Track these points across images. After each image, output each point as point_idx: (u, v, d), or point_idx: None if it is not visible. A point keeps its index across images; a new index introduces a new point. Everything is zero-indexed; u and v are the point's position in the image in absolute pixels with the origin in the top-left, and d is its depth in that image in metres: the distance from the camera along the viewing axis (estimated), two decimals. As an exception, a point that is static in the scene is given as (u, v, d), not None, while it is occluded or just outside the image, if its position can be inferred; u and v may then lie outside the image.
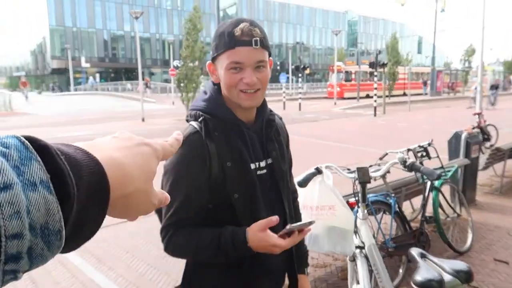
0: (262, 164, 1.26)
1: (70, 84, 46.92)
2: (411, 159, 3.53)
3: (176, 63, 20.63)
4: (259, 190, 1.22)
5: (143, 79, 22.08)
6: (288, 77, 33.63)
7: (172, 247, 1.21)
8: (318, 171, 2.16)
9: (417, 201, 4.04)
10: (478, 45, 12.29)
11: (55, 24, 49.07)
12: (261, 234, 1.11)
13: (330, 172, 2.31)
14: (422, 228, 3.49)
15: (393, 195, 3.37)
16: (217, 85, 1.25)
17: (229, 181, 1.18)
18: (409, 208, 4.60)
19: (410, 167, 2.35)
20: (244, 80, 1.14)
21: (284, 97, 23.25)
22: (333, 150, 9.42)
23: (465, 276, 1.52)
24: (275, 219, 1.12)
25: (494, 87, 23.74)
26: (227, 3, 36.60)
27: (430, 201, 3.75)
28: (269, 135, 1.30)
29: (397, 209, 3.38)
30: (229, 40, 1.13)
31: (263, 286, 1.29)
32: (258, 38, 1.13)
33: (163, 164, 1.20)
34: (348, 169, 2.53)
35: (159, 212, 1.31)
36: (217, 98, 1.23)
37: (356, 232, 2.33)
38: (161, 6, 55.23)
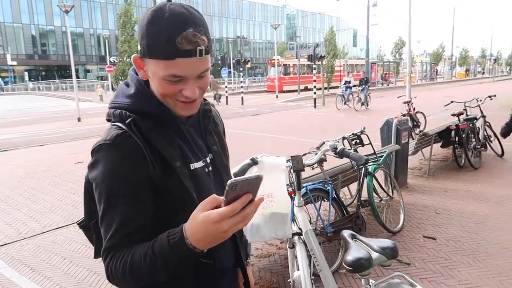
0: (208, 159, 1.14)
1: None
2: (344, 146, 3.70)
3: (112, 59, 19.81)
4: (207, 188, 1.08)
5: (77, 76, 20.90)
6: (229, 72, 33.61)
7: (111, 274, 0.96)
8: (254, 162, 2.19)
9: (354, 187, 4.24)
10: (406, 37, 13.08)
11: (-26, 19, 44.98)
12: (200, 217, 0.84)
13: (267, 160, 2.35)
14: (358, 212, 3.68)
15: (330, 182, 3.52)
16: (142, 81, 1.06)
17: (175, 183, 1.02)
18: (347, 194, 4.83)
19: (341, 154, 2.46)
20: (185, 93, 0.98)
21: (226, 91, 23.24)
22: (275, 142, 9.59)
23: (391, 253, 1.63)
24: (213, 198, 0.87)
25: (364, 81, 17.79)
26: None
27: (365, 186, 3.95)
28: (207, 128, 1.17)
29: (335, 196, 3.53)
30: (168, 48, 0.92)
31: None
32: (203, 47, 0.94)
33: (91, 176, 1.01)
34: (284, 158, 2.59)
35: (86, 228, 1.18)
36: (146, 93, 1.04)
37: (293, 219, 2.40)
38: (94, -1, 52.58)
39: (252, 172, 2.18)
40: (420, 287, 1.61)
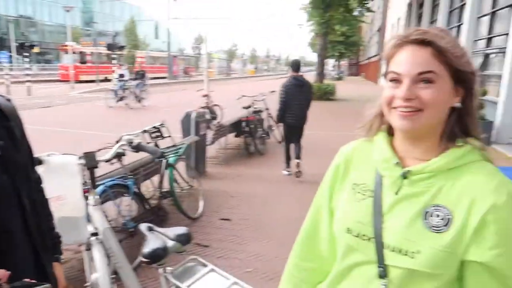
0: None
1: None
2: (143, 140, 3.71)
3: None
4: None
5: None
6: (10, 56, 28.54)
7: None
8: (39, 162, 1.99)
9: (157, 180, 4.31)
10: (205, 34, 13.86)
11: None
12: None
13: (54, 159, 2.16)
14: (160, 204, 3.77)
15: (131, 176, 3.49)
16: None
17: None
18: (150, 187, 4.86)
19: (136, 148, 2.48)
20: None
21: (7, 79, 19.71)
22: (71, 138, 8.76)
23: (185, 239, 1.77)
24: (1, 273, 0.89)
25: (140, 75, 16.72)
26: None
27: (167, 178, 4.07)
28: None
29: (136, 190, 3.52)
30: None
31: None
32: None
33: None
34: (75, 156, 2.44)
35: None
36: None
37: (89, 219, 2.29)
38: None
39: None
40: (211, 266, 1.80)
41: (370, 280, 0.89)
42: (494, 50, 10.78)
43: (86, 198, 2.53)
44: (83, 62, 30.50)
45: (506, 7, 9.90)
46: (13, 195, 1.09)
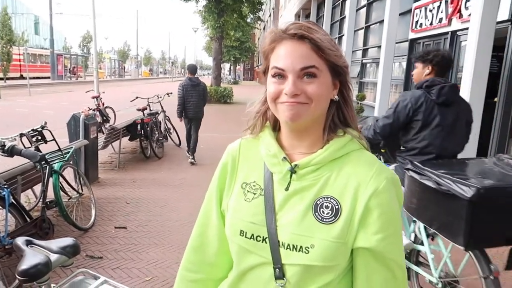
0: None
1: None
2: (23, 144, 3.29)
3: None
4: None
5: None
6: None
7: None
8: None
9: (39, 188, 3.85)
10: (93, 32, 12.91)
11: None
12: None
13: None
14: (44, 215, 3.37)
15: (6, 186, 3.05)
16: None
17: None
18: (32, 197, 4.33)
19: (10, 152, 2.18)
20: None
21: None
22: None
23: (72, 250, 1.58)
24: None
25: None
26: None
27: (51, 186, 3.66)
28: None
29: (13, 201, 3.09)
30: None
31: None
32: None
33: None
34: None
35: None
36: None
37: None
38: None
39: None
40: (103, 278, 1.64)
41: (266, 282, 0.86)
42: (369, 60, 12.10)
43: None
44: None
45: (377, 22, 11.20)
46: None
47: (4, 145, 2.17)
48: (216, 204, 0.98)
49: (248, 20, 24.95)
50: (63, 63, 35.96)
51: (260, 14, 21.98)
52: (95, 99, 9.53)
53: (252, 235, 0.87)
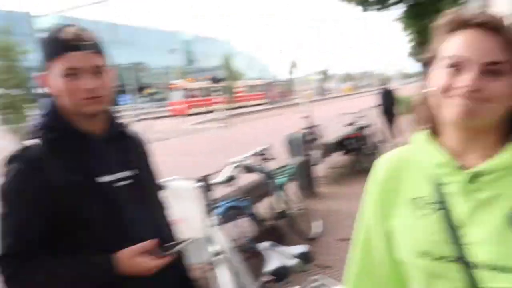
0: (122, 174, 1.16)
1: None
2: (252, 162, 3.80)
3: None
4: (121, 203, 1.13)
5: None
6: (129, 99, 32.39)
7: (16, 283, 1.04)
8: (162, 187, 2.13)
9: (269, 201, 4.35)
10: (298, 59, 14.08)
11: None
12: (135, 260, 1.06)
13: (174, 184, 2.30)
14: (276, 224, 3.77)
15: (246, 198, 3.57)
16: (54, 99, 1.14)
17: (79, 196, 1.06)
18: (265, 208, 4.93)
19: (247, 169, 2.54)
20: (83, 87, 1.06)
21: (128, 120, 22.32)
22: (185, 165, 9.43)
23: (306, 257, 1.70)
24: (152, 243, 1.09)
25: None
26: (45, 23, 33.24)
27: (278, 199, 4.08)
28: (128, 146, 1.23)
29: (252, 211, 3.59)
30: (59, 45, 1.05)
31: None
32: (89, 42, 1.07)
33: None
34: (193, 180, 2.58)
35: None
36: (54, 110, 1.12)
37: (211, 239, 2.37)
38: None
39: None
40: (341, 286, 1.69)
41: None
42: None
43: (206, 220, 2.65)
44: (189, 97, 33.20)
45: None
46: (146, 210, 1.22)
47: (242, 164, 2.56)
48: (379, 224, 0.86)
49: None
50: (275, 90, 40.38)
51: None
52: (306, 118, 10.23)
53: (439, 255, 0.74)
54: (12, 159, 1.06)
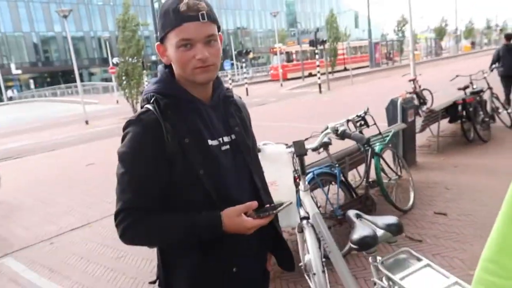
0: (226, 139, 1.23)
1: (2, 94, 43.85)
2: (348, 128, 3.69)
3: (115, 60, 19.96)
4: (224, 166, 1.20)
5: (81, 80, 21.11)
6: (232, 64, 33.46)
7: (131, 235, 1.14)
8: (257, 150, 2.21)
9: (363, 168, 4.23)
10: (408, 14, 12.90)
11: (-25, 31, 45.45)
12: (238, 220, 1.12)
13: (268, 148, 2.37)
14: (367, 193, 3.68)
15: (337, 165, 3.53)
16: (168, 67, 1.22)
17: (190, 157, 1.14)
18: (356, 176, 4.83)
19: (342, 135, 2.47)
20: (197, 57, 1.11)
21: (230, 84, 23.19)
22: (282, 130, 9.58)
23: (396, 229, 1.64)
24: (254, 205, 1.15)
25: None
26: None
27: (373, 167, 3.95)
28: (229, 111, 1.28)
29: (343, 178, 3.54)
30: (175, 17, 1.10)
31: (247, 263, 1.27)
32: (204, 12, 1.10)
33: (118, 149, 1.16)
34: (286, 144, 2.61)
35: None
36: (168, 78, 1.21)
37: (300, 204, 2.42)
38: (92, 2, 52.57)
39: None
40: (426, 261, 1.62)
41: None
42: None
43: (297, 184, 2.69)
44: (289, 61, 33.05)
45: None
46: (245, 174, 1.29)
47: (337, 130, 2.50)
48: None
49: None
50: (380, 51, 37.87)
51: None
52: (412, 82, 9.48)
53: None
54: (130, 123, 1.15)
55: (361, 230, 1.64)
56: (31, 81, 49.56)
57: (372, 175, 3.93)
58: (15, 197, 6.40)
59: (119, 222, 1.13)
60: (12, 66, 45.43)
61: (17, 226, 5.01)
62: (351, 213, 1.79)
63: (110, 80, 34.93)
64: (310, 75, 31.40)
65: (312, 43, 20.72)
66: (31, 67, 49.53)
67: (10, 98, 43.38)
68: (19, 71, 46.61)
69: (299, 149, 2.24)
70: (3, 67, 44.71)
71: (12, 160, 10.26)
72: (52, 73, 52.38)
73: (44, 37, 50.31)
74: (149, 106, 1.16)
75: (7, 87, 45.58)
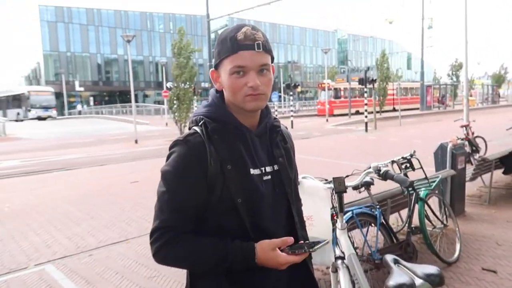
0: (268, 169, 1.23)
1: (64, 108, 47.06)
2: (392, 170, 3.59)
3: (169, 84, 20.94)
4: (264, 196, 1.19)
5: (136, 101, 22.23)
6: (280, 96, 33.89)
7: (164, 254, 1.14)
8: (296, 183, 2.20)
9: (405, 213, 4.07)
10: (463, 59, 12.55)
11: (49, 50, 49.64)
12: (272, 254, 1.10)
13: (307, 182, 2.35)
14: (409, 239, 3.52)
15: (378, 207, 3.42)
16: (219, 92, 1.25)
17: (230, 184, 1.14)
18: (398, 221, 4.63)
19: (384, 176, 2.40)
20: (249, 84, 1.13)
21: (276, 115, 23.43)
22: (324, 165, 9.47)
23: (436, 280, 1.55)
24: (290, 240, 1.13)
25: None
26: (218, 25, 37.49)
27: (416, 213, 3.78)
28: (275, 141, 1.28)
29: (383, 221, 3.42)
30: (231, 44, 1.13)
31: None
32: (260, 42, 1.13)
33: (162, 167, 1.19)
34: (326, 180, 2.57)
35: None
36: (219, 103, 1.23)
37: (336, 242, 2.36)
38: (154, 29, 56.13)
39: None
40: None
41: None
42: None
43: (334, 222, 2.63)
44: (337, 97, 32.96)
45: None
46: (283, 206, 1.27)
47: (380, 170, 2.44)
48: None
49: None
50: (431, 94, 36.87)
51: None
52: (464, 128, 9.12)
53: None
54: (176, 143, 1.17)
55: (398, 276, 1.56)
56: (91, 98, 52.97)
57: (415, 221, 3.76)
58: (63, 206, 6.73)
59: (154, 240, 1.14)
60: (76, 83, 49.03)
61: (61, 235, 5.24)
62: (389, 257, 1.71)
63: (162, 103, 36.48)
64: (357, 112, 31.04)
65: (362, 81, 20.61)
66: (93, 85, 53.14)
67: (79, 112, 46.45)
68: (82, 88, 50.11)
69: (339, 186, 2.21)
70: (68, 84, 48.20)
71: (64, 171, 10.85)
72: (110, 92, 55.83)
73: (108, 58, 54.06)
74: (197, 129, 1.18)
75: (69, 102, 48.94)
